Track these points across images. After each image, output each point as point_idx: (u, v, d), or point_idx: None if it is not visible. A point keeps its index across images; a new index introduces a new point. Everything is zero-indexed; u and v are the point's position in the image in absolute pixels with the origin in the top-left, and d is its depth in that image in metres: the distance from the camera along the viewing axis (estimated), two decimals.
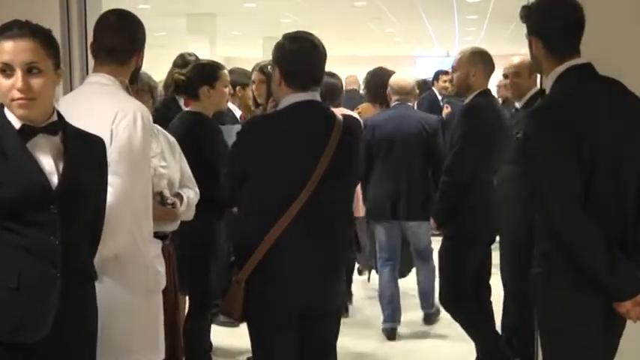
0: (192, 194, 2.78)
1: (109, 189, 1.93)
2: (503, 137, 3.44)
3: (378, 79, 4.56)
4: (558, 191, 2.01)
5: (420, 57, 24.90)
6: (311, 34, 2.43)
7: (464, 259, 3.46)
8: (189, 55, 4.16)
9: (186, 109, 3.45)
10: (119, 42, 2.20)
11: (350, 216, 2.59)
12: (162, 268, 2.29)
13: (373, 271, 4.76)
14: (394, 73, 4.47)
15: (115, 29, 2.21)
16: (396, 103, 4.25)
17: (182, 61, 4.06)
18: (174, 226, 2.68)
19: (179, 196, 2.69)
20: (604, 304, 2.04)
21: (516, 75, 3.55)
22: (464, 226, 3.43)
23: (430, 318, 4.46)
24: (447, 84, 7.07)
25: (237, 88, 4.25)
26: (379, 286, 4.32)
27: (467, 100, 3.54)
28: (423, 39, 18.39)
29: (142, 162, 2.11)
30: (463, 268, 3.46)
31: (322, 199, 2.31)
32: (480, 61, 3.53)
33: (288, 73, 2.38)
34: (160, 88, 3.83)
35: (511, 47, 17.12)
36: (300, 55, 2.36)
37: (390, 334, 4.24)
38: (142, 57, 2.28)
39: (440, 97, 7.24)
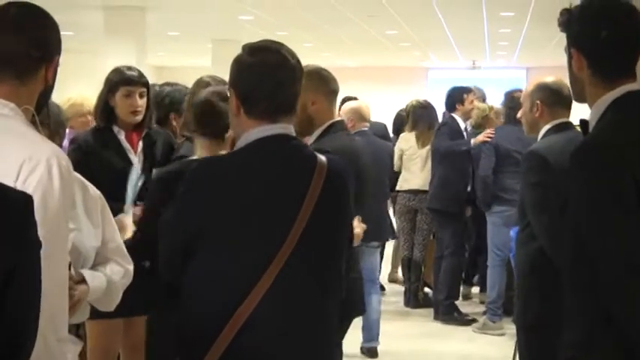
0: (117, 273, 2.77)
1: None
2: None
3: None
4: (615, 255, 2.03)
5: (435, 69, 25.35)
6: (280, 44, 2.48)
7: None
8: (129, 69, 4.23)
9: None
10: (19, 48, 2.13)
11: (342, 284, 2.59)
12: None
13: None
14: None
15: (12, 29, 2.15)
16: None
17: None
18: (80, 317, 2.65)
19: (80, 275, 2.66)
20: None
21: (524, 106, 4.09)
22: None
23: None
24: (473, 106, 7.19)
25: (172, 115, 4.45)
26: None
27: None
28: (438, 44, 18.69)
29: (60, 232, 2.07)
30: None
31: (302, 268, 2.37)
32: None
33: (247, 97, 2.43)
34: (89, 117, 3.98)
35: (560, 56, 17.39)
36: (263, 73, 2.41)
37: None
38: (55, 71, 2.20)
39: (463, 126, 7.32)
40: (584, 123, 2.30)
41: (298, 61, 2.47)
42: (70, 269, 2.59)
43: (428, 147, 7.47)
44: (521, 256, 3.91)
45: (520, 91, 6.82)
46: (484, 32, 16.20)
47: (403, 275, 8.05)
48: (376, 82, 22.82)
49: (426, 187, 7.43)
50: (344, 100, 6.96)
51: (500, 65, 25.06)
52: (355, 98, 7.30)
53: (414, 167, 7.58)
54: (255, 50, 2.45)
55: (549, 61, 21.79)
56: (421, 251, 7.65)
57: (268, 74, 2.41)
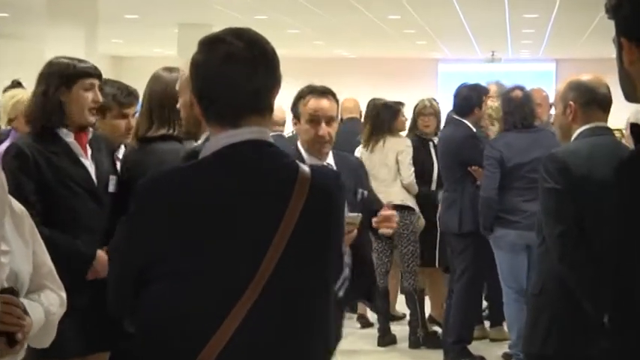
0: (53, 302, 2.79)
1: None
2: None
3: None
4: None
5: (446, 61, 25.46)
6: (243, 31, 2.48)
7: None
8: (73, 59, 4.24)
9: None
10: None
11: (330, 319, 2.60)
12: None
13: None
14: None
15: None
16: None
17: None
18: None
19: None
20: None
21: (555, 108, 4.22)
22: None
23: None
24: (490, 109, 7.15)
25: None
26: None
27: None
28: (449, 31, 18.76)
29: None
30: None
31: (280, 302, 2.38)
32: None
33: (201, 100, 2.46)
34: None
35: (598, 47, 17.54)
36: (211, 70, 2.43)
37: None
38: None
39: (474, 130, 7.29)
40: (636, 127, 2.28)
41: (264, 52, 2.45)
42: (17, 296, 2.62)
43: (392, 153, 7.51)
44: (535, 274, 4.03)
45: (520, 89, 6.78)
46: (505, 18, 16.28)
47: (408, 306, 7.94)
48: (376, 75, 22.91)
49: (408, 203, 7.44)
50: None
51: (525, 57, 25.20)
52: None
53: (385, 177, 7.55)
54: (205, 44, 2.47)
55: (584, 52, 21.99)
56: (409, 280, 7.62)
57: (216, 71, 2.42)
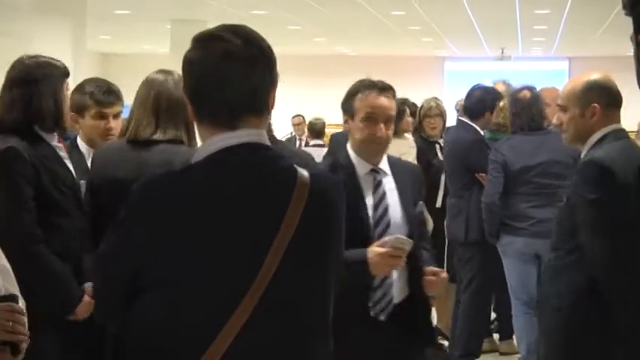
0: (24, 308, 2.78)
1: None
2: None
3: None
4: None
5: (454, 59, 25.47)
6: (239, 28, 2.48)
7: None
8: (30, 57, 4.21)
9: None
10: None
11: (329, 326, 2.60)
12: None
13: None
14: None
15: None
16: None
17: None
18: None
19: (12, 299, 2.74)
20: None
21: (564, 110, 4.13)
22: None
23: None
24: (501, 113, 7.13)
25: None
26: None
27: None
28: (457, 27, 18.78)
29: None
30: None
31: (279, 312, 2.39)
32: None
33: (194, 101, 2.47)
34: None
35: (612, 44, 17.53)
36: (206, 69, 2.44)
37: None
38: None
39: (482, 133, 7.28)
40: None
41: (261, 50, 2.46)
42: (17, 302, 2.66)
43: None
44: (555, 286, 3.94)
45: (529, 89, 6.74)
46: (516, 13, 16.28)
47: None
48: (380, 74, 22.70)
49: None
50: None
51: (537, 55, 25.20)
52: None
53: None
54: (199, 41, 2.47)
55: (598, 49, 21.99)
56: None
57: (211, 69, 2.42)
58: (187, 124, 3.92)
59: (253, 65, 2.44)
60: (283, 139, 16.05)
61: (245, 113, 2.44)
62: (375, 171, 4.01)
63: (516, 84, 7.33)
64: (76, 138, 4.78)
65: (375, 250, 3.73)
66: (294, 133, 15.93)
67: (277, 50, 2.50)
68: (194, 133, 3.98)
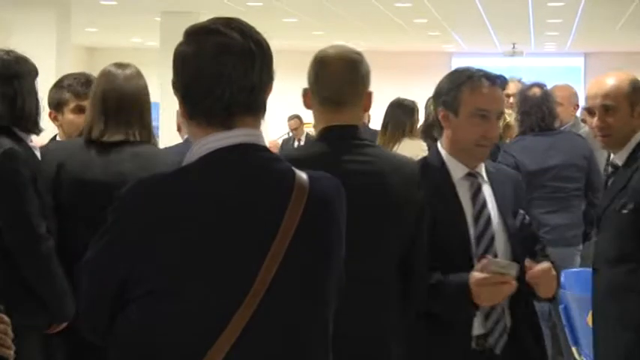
0: None
1: None
2: None
3: None
4: None
5: (462, 55, 25.48)
6: (232, 21, 2.49)
7: None
8: (8, 53, 4.21)
9: None
10: None
11: (329, 342, 2.60)
12: None
13: None
14: None
15: None
16: None
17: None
18: None
19: None
20: None
21: (610, 111, 4.06)
22: None
23: None
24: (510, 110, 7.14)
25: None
26: None
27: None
28: (465, 21, 18.79)
29: None
30: None
31: (275, 324, 2.40)
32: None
33: (185, 98, 2.47)
34: None
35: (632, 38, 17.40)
36: (200, 63, 2.44)
37: None
38: None
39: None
40: None
41: (259, 44, 2.46)
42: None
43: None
44: (609, 302, 3.96)
45: (539, 87, 6.70)
46: (528, 6, 16.29)
47: None
48: (383, 70, 22.79)
49: None
50: None
51: (550, 51, 25.19)
52: None
53: None
54: (192, 34, 2.47)
55: (616, 45, 21.98)
56: None
57: (206, 65, 2.42)
58: (143, 121, 3.94)
59: (252, 60, 2.44)
60: (280, 140, 16.18)
61: (241, 112, 2.44)
62: (473, 175, 3.64)
63: (527, 81, 7.35)
64: (55, 137, 4.81)
65: (476, 275, 3.36)
66: (291, 134, 15.91)
67: (273, 44, 2.50)
68: (151, 130, 4.04)
